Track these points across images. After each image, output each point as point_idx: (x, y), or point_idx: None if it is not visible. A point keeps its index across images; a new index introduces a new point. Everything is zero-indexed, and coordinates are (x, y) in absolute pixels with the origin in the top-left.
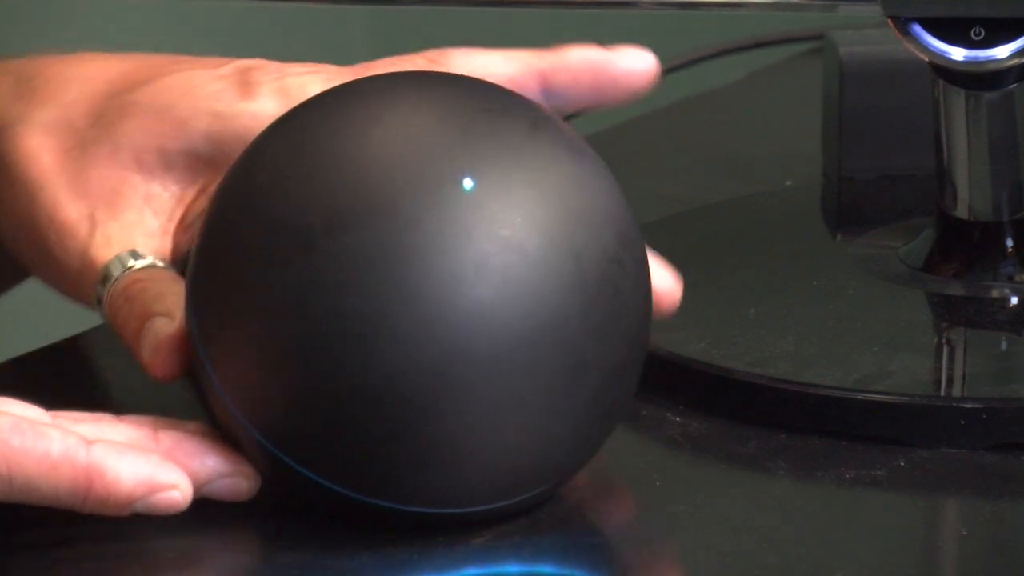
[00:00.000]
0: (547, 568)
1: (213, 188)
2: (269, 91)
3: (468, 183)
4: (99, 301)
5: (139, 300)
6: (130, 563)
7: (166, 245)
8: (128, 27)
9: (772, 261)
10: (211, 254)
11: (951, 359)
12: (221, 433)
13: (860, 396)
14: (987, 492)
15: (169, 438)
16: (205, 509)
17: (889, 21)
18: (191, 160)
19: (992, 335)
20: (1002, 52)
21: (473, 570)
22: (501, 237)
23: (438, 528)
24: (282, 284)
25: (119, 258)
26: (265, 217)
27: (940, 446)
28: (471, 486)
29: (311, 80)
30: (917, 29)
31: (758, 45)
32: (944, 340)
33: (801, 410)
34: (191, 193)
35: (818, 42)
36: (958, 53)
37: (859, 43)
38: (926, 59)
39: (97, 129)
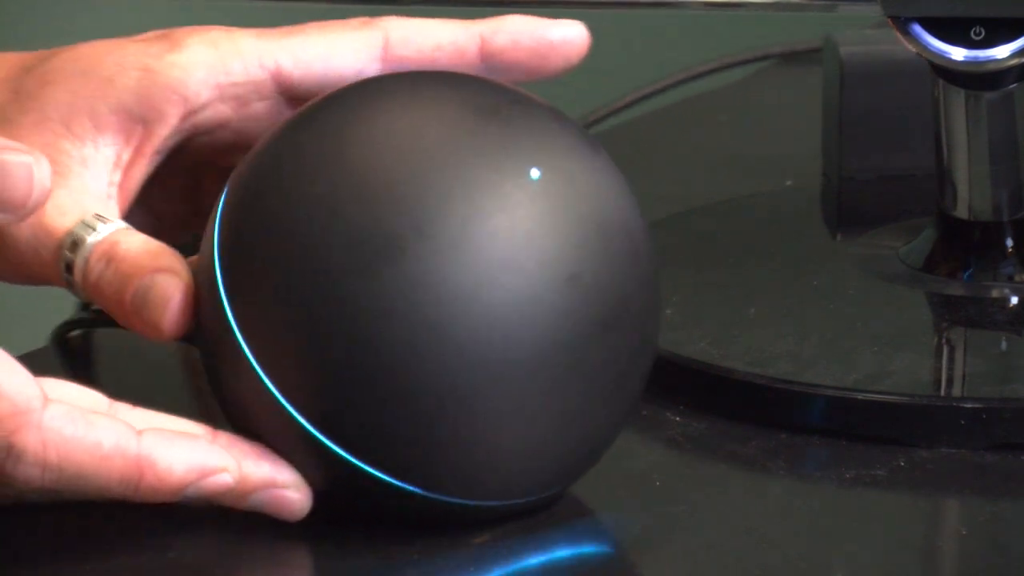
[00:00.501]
0: (551, 558)
1: (149, 149)
2: (197, 42)
3: (535, 173)
4: (68, 268)
5: (127, 261)
6: (130, 564)
7: (112, 208)
8: (126, 27)
9: (772, 261)
10: (267, 263)
11: (951, 359)
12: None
13: (860, 396)
14: (987, 492)
15: (225, 437)
16: (205, 510)
17: (889, 21)
18: (122, 119)
19: (992, 335)
20: (1002, 52)
21: (473, 570)
22: (575, 221)
23: (456, 520)
24: (368, 294)
25: (85, 222)
26: (336, 224)
27: (940, 446)
28: (506, 477)
29: (239, 33)
30: (917, 29)
31: (756, 60)
32: (944, 340)
33: (801, 410)
34: (127, 155)
35: (816, 54)
36: (958, 53)
37: (859, 43)
38: (926, 59)
39: (19, 102)
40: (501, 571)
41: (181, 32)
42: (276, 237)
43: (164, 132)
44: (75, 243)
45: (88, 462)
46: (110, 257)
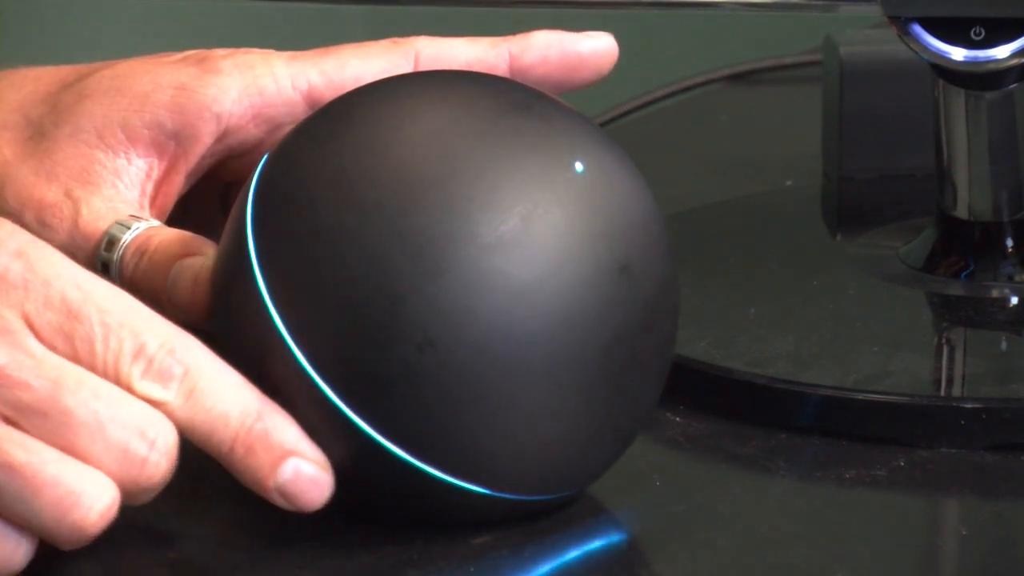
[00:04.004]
0: (546, 568)
1: (183, 167)
2: (232, 65)
3: (579, 166)
4: (104, 267)
5: (160, 251)
6: (130, 564)
7: (146, 216)
8: (125, 27)
9: (772, 261)
10: (322, 269)
11: (951, 359)
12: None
13: (860, 396)
14: (987, 492)
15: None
16: (205, 508)
17: (889, 21)
18: (155, 133)
19: (992, 335)
20: (1002, 52)
21: (473, 570)
22: (621, 213)
23: (469, 510)
24: (433, 295)
25: (120, 222)
26: (392, 225)
27: (940, 446)
28: (573, 469)
29: (273, 55)
30: (917, 29)
31: (751, 72)
32: (944, 340)
33: (801, 410)
34: (159, 169)
35: (814, 68)
36: (958, 53)
37: (859, 43)
38: (926, 59)
39: (54, 115)
40: (501, 571)
41: (217, 54)
42: (329, 245)
43: (198, 150)
44: (111, 242)
45: (224, 376)
46: (144, 250)
